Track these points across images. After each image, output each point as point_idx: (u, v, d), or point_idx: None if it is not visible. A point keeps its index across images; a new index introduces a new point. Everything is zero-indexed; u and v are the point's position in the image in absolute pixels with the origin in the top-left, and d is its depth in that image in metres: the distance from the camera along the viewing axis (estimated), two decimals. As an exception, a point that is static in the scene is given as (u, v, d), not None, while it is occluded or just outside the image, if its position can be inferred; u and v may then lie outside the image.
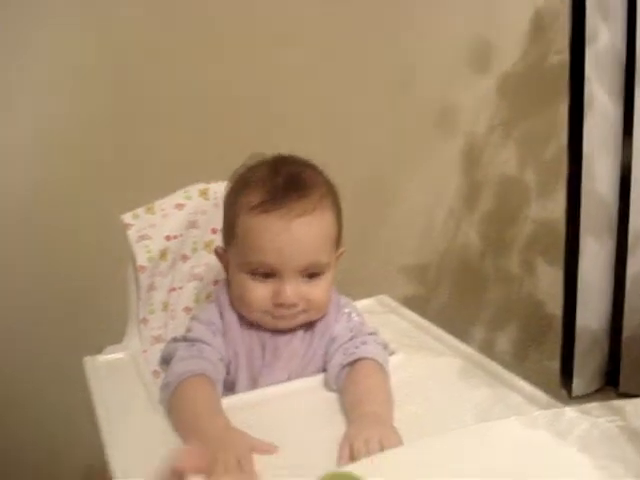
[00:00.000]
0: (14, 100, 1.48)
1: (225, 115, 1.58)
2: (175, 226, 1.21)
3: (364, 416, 0.87)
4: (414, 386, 0.97)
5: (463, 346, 1.09)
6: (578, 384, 1.92)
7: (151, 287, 1.19)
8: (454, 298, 1.90)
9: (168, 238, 1.20)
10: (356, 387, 0.94)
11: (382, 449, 0.79)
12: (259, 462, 0.80)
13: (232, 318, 1.03)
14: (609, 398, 1.85)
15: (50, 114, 1.50)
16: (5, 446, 1.58)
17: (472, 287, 1.91)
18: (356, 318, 1.07)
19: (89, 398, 1.01)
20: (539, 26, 1.76)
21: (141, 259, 1.17)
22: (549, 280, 1.92)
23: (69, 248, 1.54)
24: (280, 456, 0.82)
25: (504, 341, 1.95)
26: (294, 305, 0.99)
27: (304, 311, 1.01)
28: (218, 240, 1.15)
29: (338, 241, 1.04)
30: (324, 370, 1.01)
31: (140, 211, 1.20)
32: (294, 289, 0.98)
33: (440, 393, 0.97)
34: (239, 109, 1.59)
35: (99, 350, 1.15)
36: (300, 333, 1.03)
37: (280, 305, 0.99)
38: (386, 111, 1.72)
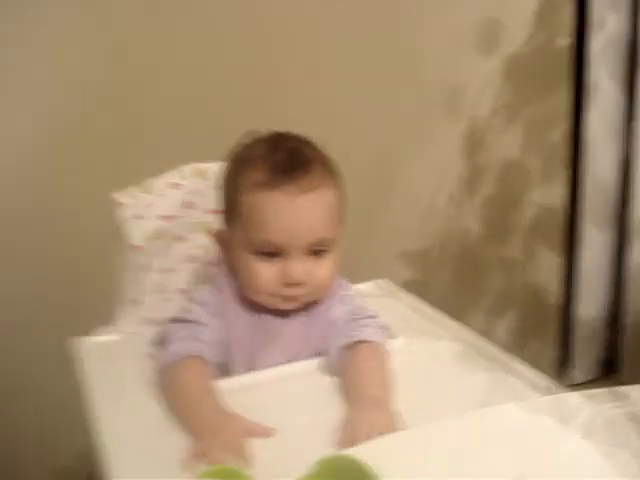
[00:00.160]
0: (13, 84, 1.46)
1: (222, 94, 1.55)
2: (171, 206, 1.19)
3: (364, 400, 0.85)
4: (414, 370, 0.96)
5: (464, 330, 1.08)
6: (576, 372, 1.92)
7: (145, 268, 1.17)
8: (453, 284, 1.88)
9: (163, 218, 1.18)
10: (356, 370, 0.92)
11: (383, 433, 0.77)
12: (255, 446, 0.79)
13: (229, 299, 1.01)
14: (607, 387, 1.85)
15: (46, 100, 1.48)
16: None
17: (472, 273, 1.89)
18: (357, 301, 1.05)
19: (78, 381, 0.99)
20: (548, 8, 1.73)
21: (135, 238, 1.15)
22: (550, 267, 1.91)
23: (60, 228, 1.51)
24: (277, 439, 0.81)
25: (503, 328, 1.94)
26: (303, 283, 0.97)
27: (309, 291, 0.99)
28: (215, 221, 1.12)
29: (342, 217, 1.02)
30: (323, 353, 0.99)
31: (134, 190, 1.18)
32: (302, 267, 0.96)
33: (440, 377, 0.96)
34: (238, 90, 1.57)
35: (89, 332, 1.13)
36: (299, 315, 1.01)
37: (290, 285, 0.96)
38: (389, 93, 1.70)
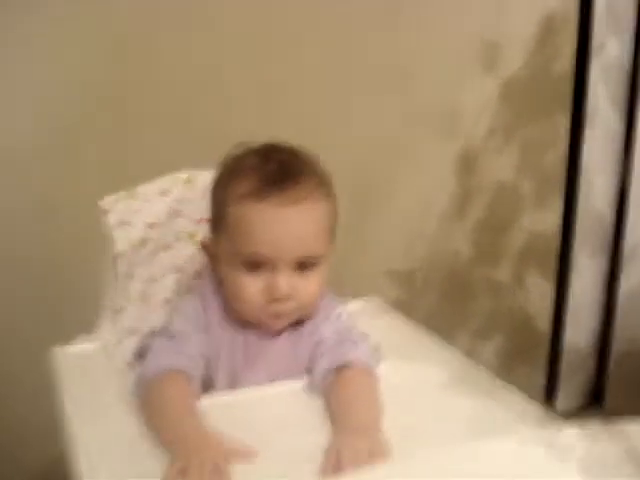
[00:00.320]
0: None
1: (217, 104, 1.53)
2: (158, 214, 1.16)
3: (351, 425, 0.82)
4: (403, 395, 0.93)
5: (456, 354, 1.05)
6: (562, 400, 1.90)
7: (129, 276, 1.13)
8: (440, 305, 1.86)
9: (150, 226, 1.15)
10: (343, 393, 0.89)
11: (369, 463, 0.74)
12: (236, 469, 0.75)
13: (215, 314, 0.98)
14: (594, 417, 1.84)
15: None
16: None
17: (459, 296, 1.87)
18: (346, 320, 1.02)
19: (55, 391, 0.96)
20: (548, 31, 1.72)
21: (120, 246, 1.12)
22: (539, 293, 1.89)
23: (43, 230, 1.48)
24: (259, 463, 0.77)
25: (489, 352, 1.92)
26: (289, 299, 0.94)
27: (296, 308, 0.96)
28: (203, 231, 1.09)
29: (332, 233, 0.99)
30: (309, 373, 0.96)
31: (121, 196, 1.15)
32: (288, 281, 0.93)
33: (430, 403, 0.92)
34: (232, 98, 1.54)
35: (70, 340, 1.10)
36: (285, 333, 0.98)
37: (276, 300, 0.93)
38: (383, 111, 1.67)
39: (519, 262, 1.87)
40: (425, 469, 0.71)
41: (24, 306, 1.50)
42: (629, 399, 1.81)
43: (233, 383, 0.96)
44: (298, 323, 0.98)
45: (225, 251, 0.96)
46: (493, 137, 1.77)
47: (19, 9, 1.38)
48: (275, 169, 0.94)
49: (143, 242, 1.14)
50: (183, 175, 1.18)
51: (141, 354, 0.96)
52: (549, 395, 1.87)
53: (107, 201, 1.14)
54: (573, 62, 1.74)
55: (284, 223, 0.92)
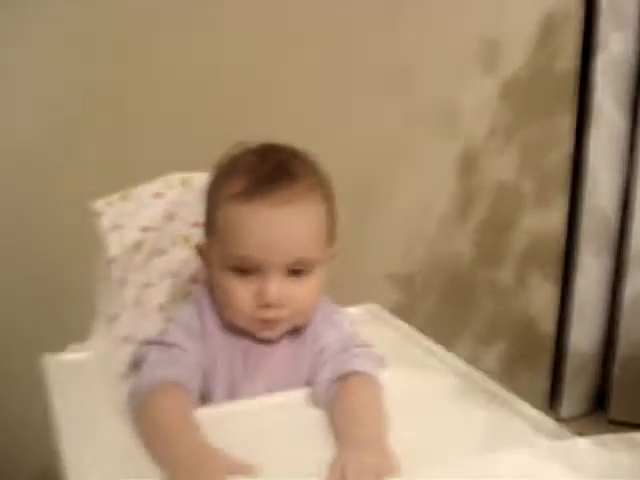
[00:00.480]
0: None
1: (215, 104, 1.51)
2: (152, 217, 1.12)
3: (357, 438, 0.78)
4: (408, 406, 0.89)
5: (460, 362, 1.02)
6: (566, 407, 1.87)
7: (122, 282, 1.10)
8: (441, 309, 1.83)
9: (144, 229, 1.11)
10: (347, 404, 0.85)
11: (378, 478, 0.70)
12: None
13: (212, 321, 0.94)
14: (598, 423, 1.82)
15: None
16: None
17: (461, 299, 1.85)
18: (347, 327, 0.98)
19: (46, 401, 0.93)
20: (548, 30, 1.71)
21: (113, 250, 1.08)
22: (543, 296, 1.87)
23: (36, 233, 1.46)
24: (261, 478, 0.73)
25: (491, 357, 1.90)
26: (280, 305, 0.90)
27: (288, 315, 0.92)
28: (199, 235, 1.06)
29: (330, 237, 0.95)
30: (310, 383, 0.92)
31: (114, 198, 1.12)
32: (279, 287, 0.89)
33: (437, 414, 0.89)
34: (232, 99, 1.52)
35: (62, 348, 1.07)
36: (285, 341, 0.95)
37: (265, 306, 0.89)
38: (383, 111, 1.66)
39: (521, 264, 1.85)
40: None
41: (23, 306, 1.48)
42: (633, 405, 1.78)
43: (231, 394, 0.92)
44: (298, 331, 0.95)
45: (216, 255, 0.93)
46: (494, 137, 1.75)
47: (19, 9, 1.37)
48: (269, 170, 0.90)
49: (137, 246, 1.10)
50: (178, 177, 1.15)
51: (136, 364, 0.92)
52: (553, 401, 1.85)
53: (100, 204, 1.11)
54: (575, 61, 1.72)
55: (275, 225, 0.88)
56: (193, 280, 1.12)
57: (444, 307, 1.83)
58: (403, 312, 1.24)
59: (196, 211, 1.08)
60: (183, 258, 1.13)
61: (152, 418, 0.82)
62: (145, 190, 1.13)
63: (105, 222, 1.09)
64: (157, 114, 1.48)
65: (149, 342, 0.93)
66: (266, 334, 0.93)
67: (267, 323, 0.92)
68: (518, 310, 1.88)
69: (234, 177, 0.91)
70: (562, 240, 1.82)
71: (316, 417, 0.86)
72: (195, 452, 0.75)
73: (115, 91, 1.45)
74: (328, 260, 0.96)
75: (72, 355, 1.05)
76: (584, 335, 1.84)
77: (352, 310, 1.18)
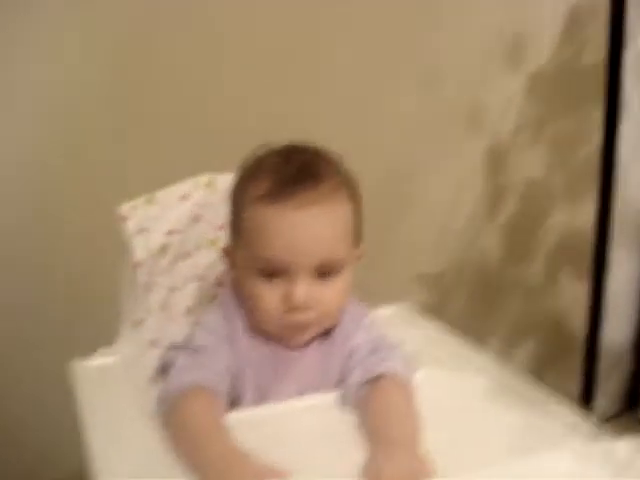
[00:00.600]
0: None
1: (239, 104, 1.50)
2: (178, 220, 1.11)
3: (390, 442, 0.77)
4: (441, 408, 0.87)
5: (493, 362, 1.00)
6: (598, 406, 1.84)
7: (148, 286, 1.09)
8: (470, 307, 1.82)
9: (169, 233, 1.10)
10: (379, 408, 0.83)
11: (413, 480, 0.69)
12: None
13: (239, 325, 0.93)
14: (630, 423, 1.78)
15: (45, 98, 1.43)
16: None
17: (489, 297, 1.83)
18: (377, 329, 0.97)
19: (75, 406, 0.92)
20: (575, 24, 1.68)
21: (139, 254, 1.07)
22: (573, 293, 1.84)
23: (62, 238, 1.44)
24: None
25: (521, 356, 1.87)
26: (307, 308, 0.88)
27: (316, 318, 0.91)
28: (225, 237, 1.05)
29: (356, 237, 0.94)
30: (341, 384, 0.91)
31: (139, 202, 1.11)
32: (306, 289, 0.88)
33: (472, 416, 0.87)
34: (254, 99, 1.51)
35: (91, 353, 1.06)
36: (315, 344, 0.93)
37: (293, 309, 0.88)
38: (410, 109, 1.64)
39: (551, 261, 1.82)
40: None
41: (52, 311, 1.47)
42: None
43: (261, 397, 0.91)
44: (327, 333, 0.94)
45: (242, 258, 0.92)
46: (522, 133, 1.73)
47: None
48: (294, 171, 0.89)
49: (163, 250, 1.09)
50: (204, 178, 1.14)
51: (164, 369, 0.91)
52: (586, 400, 1.81)
53: (125, 208, 1.10)
54: (602, 54, 1.69)
55: (300, 226, 0.87)
56: (219, 283, 1.11)
57: (473, 305, 1.82)
58: (432, 311, 1.23)
59: (221, 213, 1.07)
60: (209, 261, 1.12)
61: (182, 422, 0.81)
62: (171, 193, 1.12)
63: (130, 226, 1.08)
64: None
65: (177, 347, 0.93)
66: (294, 339, 0.92)
67: (297, 329, 0.91)
68: (548, 309, 1.86)
69: (259, 178, 0.90)
70: (592, 236, 1.80)
71: (347, 420, 0.85)
72: (225, 456, 0.74)
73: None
74: (354, 261, 0.94)
75: (99, 360, 1.05)
76: (616, 333, 1.81)
77: (382, 310, 1.17)
